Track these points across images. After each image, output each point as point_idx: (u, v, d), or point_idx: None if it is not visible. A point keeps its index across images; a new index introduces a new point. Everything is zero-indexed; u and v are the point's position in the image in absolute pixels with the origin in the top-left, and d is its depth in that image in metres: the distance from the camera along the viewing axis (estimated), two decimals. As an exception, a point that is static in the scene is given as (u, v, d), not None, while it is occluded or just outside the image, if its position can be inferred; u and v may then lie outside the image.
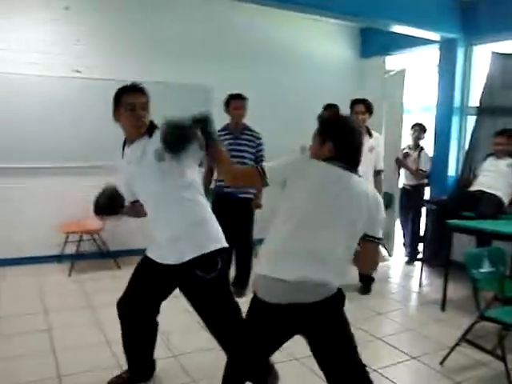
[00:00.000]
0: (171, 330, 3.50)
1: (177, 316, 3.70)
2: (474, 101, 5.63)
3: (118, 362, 3.01)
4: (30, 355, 3.18)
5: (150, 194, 2.48)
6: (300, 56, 6.54)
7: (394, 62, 6.68)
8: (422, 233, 5.74)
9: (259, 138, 4.48)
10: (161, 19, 5.57)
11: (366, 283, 4.70)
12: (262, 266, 2.01)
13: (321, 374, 2.06)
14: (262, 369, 2.42)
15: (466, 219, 4.43)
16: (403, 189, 6.00)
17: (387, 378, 3.04)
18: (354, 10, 4.80)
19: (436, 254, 5.23)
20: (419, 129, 5.85)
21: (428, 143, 5.95)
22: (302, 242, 1.94)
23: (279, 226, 2.01)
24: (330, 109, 4.91)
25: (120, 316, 2.66)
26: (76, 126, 5.12)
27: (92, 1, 5.25)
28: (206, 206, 2.58)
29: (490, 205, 4.54)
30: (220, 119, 4.54)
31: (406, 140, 6.10)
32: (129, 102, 2.42)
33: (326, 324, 1.98)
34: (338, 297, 2.00)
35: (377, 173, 4.60)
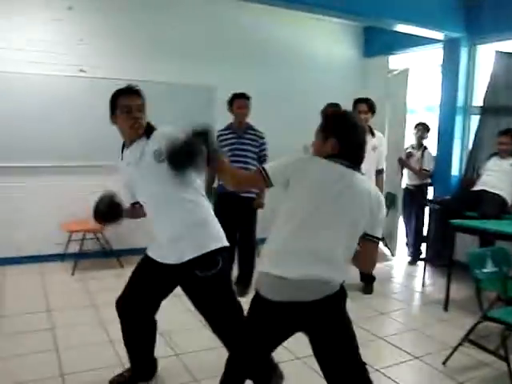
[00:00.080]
0: (173, 329, 3.51)
1: (179, 315, 3.71)
2: (478, 100, 5.61)
3: (121, 361, 3.02)
4: (33, 354, 3.19)
5: (150, 194, 2.49)
6: (303, 55, 6.54)
7: (397, 61, 6.67)
8: (425, 233, 5.74)
9: (262, 138, 4.48)
10: (164, 19, 5.58)
11: (367, 282, 4.69)
12: (264, 264, 2.01)
13: (323, 373, 2.06)
14: (262, 367, 2.42)
15: (469, 219, 4.43)
16: (406, 189, 5.99)
17: (389, 377, 3.04)
18: (358, 9, 4.80)
19: (439, 253, 5.22)
20: (422, 128, 5.84)
21: (431, 143, 5.93)
22: (304, 242, 1.94)
23: (281, 226, 2.00)
24: (332, 108, 4.90)
25: (119, 315, 2.67)
26: (78, 126, 5.14)
27: (95, 1, 5.26)
28: (207, 206, 2.58)
29: (493, 204, 4.53)
30: (224, 119, 4.56)
31: (410, 140, 6.09)
32: (125, 104, 2.43)
33: (327, 322, 1.98)
34: (340, 294, 2.00)
35: (378, 172, 4.60)
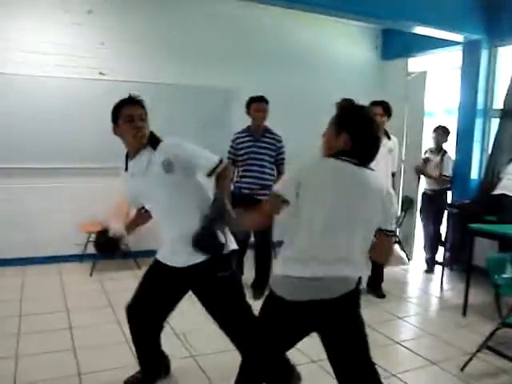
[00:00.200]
0: (189, 330, 3.53)
1: (195, 316, 3.70)
2: (498, 103, 5.53)
3: (137, 361, 3.04)
4: (51, 353, 3.23)
5: (158, 203, 2.50)
6: (322, 57, 6.53)
7: (417, 63, 6.61)
8: (443, 238, 5.64)
9: (280, 141, 4.47)
10: (184, 23, 5.63)
11: (376, 286, 4.61)
12: (282, 267, 2.00)
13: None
14: (278, 368, 2.41)
15: (488, 223, 4.36)
16: (424, 194, 5.79)
17: (406, 383, 3.01)
18: (377, 11, 4.78)
19: (457, 258, 5.16)
20: (442, 132, 5.63)
21: (450, 146, 5.85)
22: (323, 246, 1.94)
23: (297, 232, 1.98)
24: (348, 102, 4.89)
25: (129, 320, 2.69)
26: (97, 128, 5.15)
27: (114, 5, 5.33)
28: None
29: (513, 209, 4.46)
30: (243, 121, 4.57)
31: (428, 143, 6.00)
32: (127, 113, 2.43)
33: (343, 319, 1.99)
34: (356, 292, 2.01)
35: (391, 175, 4.57)
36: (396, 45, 6.70)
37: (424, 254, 5.84)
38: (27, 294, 4.36)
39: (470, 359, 3.16)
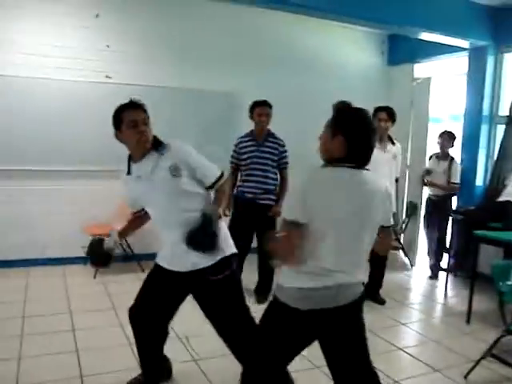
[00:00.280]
0: (191, 334, 3.53)
1: (197, 320, 3.70)
2: (504, 109, 5.52)
3: (139, 364, 3.04)
4: (54, 355, 3.24)
5: (162, 206, 2.49)
6: (327, 62, 6.53)
7: (423, 69, 6.61)
8: (447, 244, 5.60)
9: (283, 146, 4.47)
10: (189, 26, 5.65)
11: (375, 292, 4.56)
12: (290, 278, 1.97)
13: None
14: (280, 378, 2.38)
15: (493, 230, 4.34)
16: (429, 199, 5.75)
17: (408, 389, 3.00)
18: (383, 17, 4.79)
19: (462, 264, 5.14)
20: (447, 137, 5.53)
21: (456, 152, 5.82)
22: (334, 257, 1.92)
23: (308, 245, 1.93)
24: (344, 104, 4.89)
25: (132, 324, 2.70)
26: (103, 131, 5.13)
27: (121, 8, 5.36)
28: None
29: (519, 216, 4.44)
30: (247, 125, 4.57)
31: (433, 148, 5.96)
32: (130, 119, 2.41)
33: (347, 326, 2.00)
34: (362, 296, 2.03)
35: (395, 180, 4.56)
36: (402, 50, 6.71)
37: (428, 260, 5.81)
38: (31, 296, 4.37)
39: (474, 367, 3.14)
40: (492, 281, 3.09)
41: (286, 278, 2.00)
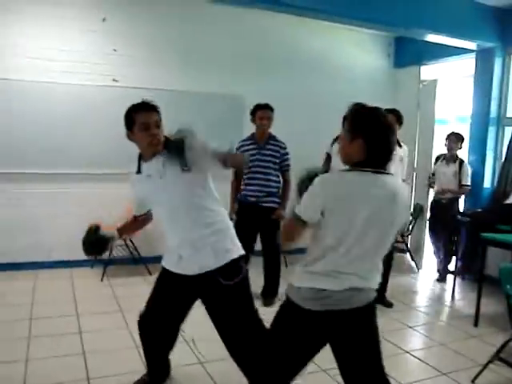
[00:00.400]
0: (198, 337, 3.52)
1: (204, 323, 3.71)
2: (512, 111, 5.50)
3: (146, 366, 3.04)
4: (61, 357, 3.25)
5: (170, 204, 2.45)
6: (333, 65, 6.53)
7: (429, 71, 6.59)
8: (454, 247, 5.56)
9: (284, 148, 4.47)
10: (194, 30, 5.67)
11: (381, 295, 4.53)
12: (304, 278, 1.96)
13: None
14: None
15: (501, 232, 4.31)
16: (434, 202, 5.69)
17: (415, 393, 2.99)
18: (389, 19, 4.79)
19: (469, 267, 5.10)
20: (455, 138, 5.46)
21: (463, 154, 5.79)
22: (352, 261, 1.91)
23: (324, 247, 1.93)
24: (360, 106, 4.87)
25: (141, 329, 2.70)
26: (110, 134, 5.21)
27: (128, 12, 5.40)
28: (226, 215, 2.62)
29: (527, 218, 4.40)
30: (252, 128, 4.57)
31: (439, 150, 5.91)
32: (142, 121, 2.39)
33: (361, 328, 1.98)
34: (375, 300, 2.02)
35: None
36: (408, 53, 6.69)
37: (436, 263, 5.77)
38: (38, 298, 4.40)
39: (482, 370, 3.11)
40: (500, 284, 3.07)
41: (298, 278, 1.98)
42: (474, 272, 5.01)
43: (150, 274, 5.13)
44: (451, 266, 5.58)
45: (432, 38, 5.24)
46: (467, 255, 5.17)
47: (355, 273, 1.91)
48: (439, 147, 5.92)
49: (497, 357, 3.10)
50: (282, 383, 2.07)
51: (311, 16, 4.90)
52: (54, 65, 5.11)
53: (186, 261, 2.48)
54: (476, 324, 4.14)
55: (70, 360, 3.21)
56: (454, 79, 6.67)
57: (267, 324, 2.22)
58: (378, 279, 2.02)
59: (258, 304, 2.70)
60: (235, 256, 2.49)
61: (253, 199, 4.38)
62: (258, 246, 4.48)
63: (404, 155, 4.51)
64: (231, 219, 4.24)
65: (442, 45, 5.45)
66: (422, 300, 4.97)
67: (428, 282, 5.59)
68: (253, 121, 4.46)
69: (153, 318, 2.66)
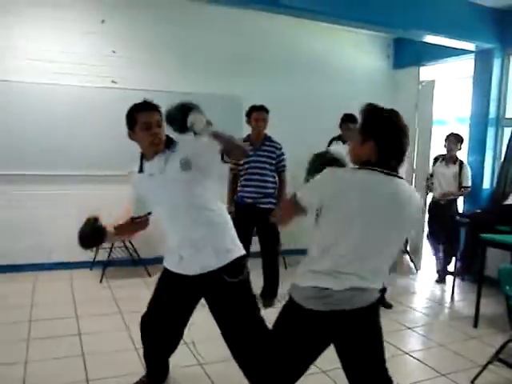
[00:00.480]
0: (197, 338, 3.52)
1: (203, 324, 3.71)
2: (511, 112, 5.49)
3: (145, 368, 3.04)
4: (60, 359, 3.25)
5: (171, 203, 2.46)
6: (332, 66, 6.53)
7: (429, 72, 6.59)
8: (454, 248, 5.54)
9: (280, 149, 4.48)
10: (194, 31, 5.68)
11: (381, 298, 4.53)
12: (307, 277, 1.94)
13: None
14: None
15: (501, 233, 4.31)
16: (433, 203, 5.65)
17: (415, 394, 2.98)
18: (388, 20, 4.79)
19: (469, 268, 5.10)
20: (454, 139, 5.42)
21: (462, 155, 5.78)
22: (354, 260, 1.89)
23: (326, 245, 1.92)
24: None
25: (143, 331, 2.70)
26: (108, 136, 5.22)
27: (126, 14, 5.40)
28: (227, 215, 2.62)
29: (526, 219, 4.40)
30: (250, 129, 4.57)
31: (437, 151, 5.90)
32: (144, 121, 2.40)
33: (364, 329, 1.97)
34: (378, 300, 2.01)
35: None
36: (408, 54, 6.69)
37: (435, 264, 5.77)
38: (37, 300, 4.39)
39: (481, 371, 3.11)
40: (499, 284, 3.07)
41: (301, 278, 1.97)
42: (473, 273, 5.00)
43: (150, 275, 5.13)
44: (450, 267, 5.58)
45: (431, 39, 5.24)
46: (466, 256, 5.16)
47: (355, 273, 1.88)
48: (438, 148, 5.91)
49: (496, 358, 3.10)
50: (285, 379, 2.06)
51: (310, 17, 4.90)
52: (54, 66, 5.12)
53: (187, 261, 2.48)
54: (475, 325, 4.13)
55: (70, 362, 3.21)
56: (453, 80, 6.68)
57: (268, 324, 2.22)
58: (381, 281, 1.98)
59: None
60: (236, 256, 2.50)
61: (250, 200, 4.39)
62: (256, 248, 4.47)
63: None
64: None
65: (441, 46, 5.45)
66: (421, 301, 4.97)
67: (427, 283, 5.59)
68: (248, 122, 4.47)
69: (154, 319, 2.66)
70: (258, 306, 2.65)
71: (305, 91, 6.23)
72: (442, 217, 5.48)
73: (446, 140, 5.52)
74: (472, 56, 5.70)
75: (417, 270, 6.04)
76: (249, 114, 4.45)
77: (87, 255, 5.35)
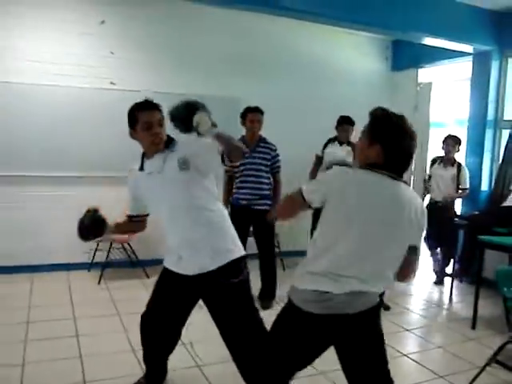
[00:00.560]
0: (195, 340, 3.52)
1: (201, 325, 3.70)
2: (509, 114, 5.50)
3: (143, 370, 3.03)
4: (58, 360, 3.24)
5: (169, 203, 2.46)
6: (332, 68, 6.54)
7: (427, 74, 6.61)
8: (452, 250, 5.54)
9: (275, 150, 4.48)
10: (193, 33, 5.68)
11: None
12: (306, 280, 1.94)
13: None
14: None
15: (499, 235, 4.31)
16: (433, 204, 5.57)
17: (413, 396, 2.98)
18: (386, 22, 4.80)
19: (467, 270, 5.10)
20: (452, 141, 5.40)
21: (461, 157, 5.78)
22: (352, 263, 1.88)
23: (326, 246, 1.92)
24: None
25: (142, 330, 2.70)
26: (107, 137, 5.22)
27: (125, 15, 5.40)
28: (227, 215, 2.61)
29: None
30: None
31: (435, 153, 5.90)
32: (145, 120, 2.41)
33: (365, 332, 1.97)
34: (379, 304, 1.99)
35: None
36: (406, 56, 6.70)
37: (432, 266, 5.76)
38: (35, 301, 4.38)
39: (479, 373, 3.10)
40: (497, 286, 3.07)
41: (300, 280, 1.97)
42: (471, 275, 5.01)
43: (148, 277, 5.12)
44: (448, 269, 5.58)
45: (429, 41, 5.26)
46: (464, 258, 5.16)
47: (355, 276, 1.87)
48: (436, 150, 5.92)
49: (494, 359, 3.09)
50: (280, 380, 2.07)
51: (310, 19, 4.90)
52: (54, 68, 5.11)
53: (186, 261, 2.48)
54: (473, 327, 4.13)
55: (67, 363, 3.20)
56: (451, 82, 6.69)
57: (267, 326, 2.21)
58: (382, 286, 1.97)
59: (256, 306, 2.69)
60: (236, 256, 2.50)
61: (245, 202, 4.39)
62: (254, 249, 4.47)
63: None
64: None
65: (439, 48, 5.47)
66: (419, 303, 4.97)
67: (425, 285, 5.58)
68: (243, 124, 4.47)
69: (153, 317, 2.66)
70: (256, 307, 2.65)
71: (304, 93, 6.24)
72: (439, 219, 5.45)
73: (443, 142, 5.51)
74: (470, 58, 5.71)
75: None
76: (243, 115, 4.46)
77: (85, 256, 5.36)
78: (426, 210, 1.99)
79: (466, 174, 5.43)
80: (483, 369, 3.10)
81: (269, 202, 4.42)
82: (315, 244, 1.97)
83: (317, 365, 3.01)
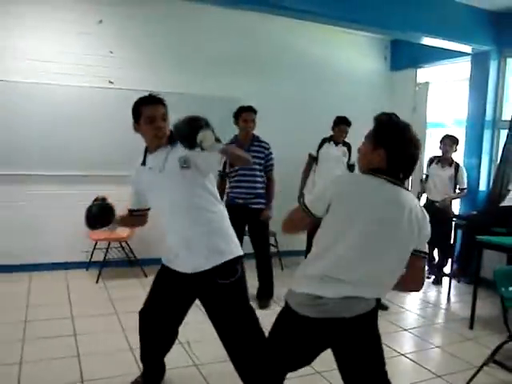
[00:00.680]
0: (193, 339, 3.52)
1: (199, 324, 3.70)
2: (507, 114, 5.51)
3: (140, 369, 3.03)
4: (56, 359, 3.24)
5: (169, 201, 2.47)
6: (331, 68, 6.54)
7: (426, 74, 6.61)
8: (449, 250, 5.54)
9: (268, 149, 4.49)
10: (192, 33, 5.68)
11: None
12: (304, 286, 1.93)
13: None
14: None
15: (497, 235, 4.32)
16: (431, 204, 5.54)
17: (410, 395, 2.98)
18: (385, 22, 4.80)
19: (465, 270, 5.11)
20: (450, 141, 5.43)
21: (459, 157, 5.79)
22: (351, 270, 1.87)
23: (324, 249, 1.92)
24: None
25: (141, 326, 2.70)
26: (106, 136, 5.23)
27: (123, 14, 5.39)
28: (225, 215, 2.62)
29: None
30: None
31: (432, 153, 5.89)
32: (148, 114, 2.43)
33: (362, 336, 1.96)
34: (376, 309, 1.98)
35: None
36: (405, 55, 6.71)
37: (430, 266, 5.76)
38: (33, 300, 4.38)
39: (476, 373, 3.10)
40: (495, 286, 3.07)
41: (297, 283, 1.97)
42: (469, 275, 5.02)
43: (146, 276, 5.12)
44: (446, 269, 5.58)
45: (428, 41, 5.26)
46: (463, 258, 5.16)
47: (352, 281, 1.86)
48: (434, 150, 5.92)
49: (492, 359, 3.10)
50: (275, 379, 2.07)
51: (309, 19, 4.90)
52: (54, 67, 5.11)
53: (182, 259, 2.50)
54: (471, 326, 4.14)
55: (65, 362, 3.20)
56: (450, 82, 6.69)
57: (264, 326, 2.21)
58: (379, 293, 1.95)
59: (253, 306, 2.69)
60: (231, 257, 2.50)
61: (241, 201, 4.39)
62: (250, 248, 4.46)
63: None
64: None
65: (438, 48, 5.47)
66: (417, 303, 4.97)
67: (425, 285, 5.57)
68: (236, 123, 4.46)
69: (151, 314, 2.67)
70: (252, 307, 2.65)
71: (303, 92, 6.24)
72: (436, 219, 5.41)
73: (441, 142, 5.53)
74: (469, 58, 5.72)
75: None
76: (237, 115, 4.45)
77: (83, 255, 5.36)
78: (427, 216, 1.97)
79: (463, 174, 5.44)
80: (481, 368, 3.10)
81: (263, 201, 4.42)
82: (316, 244, 1.98)
83: (314, 364, 3.02)
